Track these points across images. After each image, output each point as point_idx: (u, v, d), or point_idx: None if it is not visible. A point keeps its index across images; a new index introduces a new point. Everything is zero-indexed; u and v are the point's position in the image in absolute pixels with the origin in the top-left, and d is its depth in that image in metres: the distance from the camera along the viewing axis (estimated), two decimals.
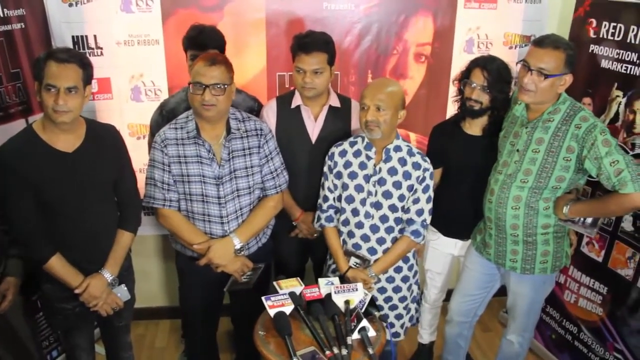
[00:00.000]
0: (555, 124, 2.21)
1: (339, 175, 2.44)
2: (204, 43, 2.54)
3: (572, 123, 2.17)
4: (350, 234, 2.46)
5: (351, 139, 2.47)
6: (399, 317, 2.57)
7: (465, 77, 2.51)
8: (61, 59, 1.97)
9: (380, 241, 2.43)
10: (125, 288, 2.31)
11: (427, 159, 2.43)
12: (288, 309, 2.10)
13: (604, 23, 2.74)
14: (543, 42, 2.18)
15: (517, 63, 2.28)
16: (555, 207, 2.28)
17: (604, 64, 2.74)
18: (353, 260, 2.44)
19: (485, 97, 2.44)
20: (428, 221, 2.45)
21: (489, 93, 2.43)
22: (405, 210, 2.42)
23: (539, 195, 2.28)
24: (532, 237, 2.34)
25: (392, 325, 2.56)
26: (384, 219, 2.41)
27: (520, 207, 2.31)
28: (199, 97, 2.17)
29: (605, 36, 2.74)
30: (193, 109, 2.26)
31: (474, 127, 2.56)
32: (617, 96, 2.66)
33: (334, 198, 2.48)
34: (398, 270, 2.51)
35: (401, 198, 2.40)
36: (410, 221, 2.42)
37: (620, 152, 2.09)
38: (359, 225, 2.43)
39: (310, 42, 2.46)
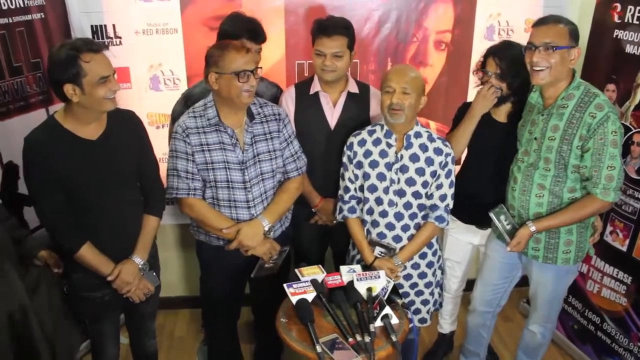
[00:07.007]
0: (570, 110, 2.17)
1: (359, 165, 2.42)
2: (260, 34, 2.54)
3: (587, 111, 2.13)
4: (375, 223, 2.44)
5: (369, 127, 2.44)
6: (425, 302, 2.56)
7: (482, 66, 2.50)
8: (97, 49, 1.97)
9: (405, 228, 2.42)
10: (155, 274, 2.33)
11: (447, 143, 2.41)
12: (310, 296, 2.10)
13: (629, 7, 2.68)
14: (543, 20, 2.19)
15: (523, 49, 2.24)
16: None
17: (629, 49, 2.68)
18: (378, 249, 2.43)
19: (503, 84, 2.42)
20: (451, 206, 2.43)
21: (504, 80, 2.41)
22: (429, 197, 2.40)
23: (563, 184, 2.25)
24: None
25: (418, 311, 2.55)
26: (407, 206, 2.39)
27: (545, 194, 2.28)
28: (244, 85, 2.18)
29: (630, 20, 2.68)
30: (230, 98, 2.22)
31: (499, 114, 2.54)
32: None
33: (355, 188, 2.46)
34: (423, 256, 2.50)
35: (424, 185, 2.37)
36: (434, 207, 2.41)
37: (619, 155, 2.11)
38: (383, 213, 2.41)
39: (331, 25, 2.46)
